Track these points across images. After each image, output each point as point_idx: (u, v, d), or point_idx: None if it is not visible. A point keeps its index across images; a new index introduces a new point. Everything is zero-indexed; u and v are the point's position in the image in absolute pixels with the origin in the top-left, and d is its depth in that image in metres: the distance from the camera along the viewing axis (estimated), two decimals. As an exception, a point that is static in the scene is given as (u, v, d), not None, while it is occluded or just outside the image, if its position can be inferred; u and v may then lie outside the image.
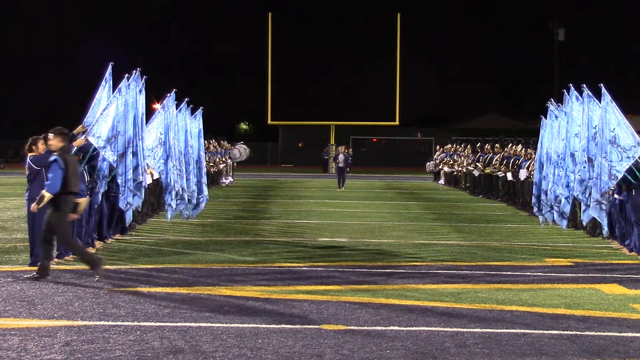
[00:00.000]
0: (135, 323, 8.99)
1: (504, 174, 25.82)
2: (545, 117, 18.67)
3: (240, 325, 8.98)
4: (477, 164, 29.68)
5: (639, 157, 14.58)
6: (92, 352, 7.83)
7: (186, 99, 18.95)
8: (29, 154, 12.79)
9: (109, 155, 13.95)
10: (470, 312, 9.85)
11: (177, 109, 17.99)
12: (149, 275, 12.22)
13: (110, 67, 14.71)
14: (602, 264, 13.95)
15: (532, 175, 21.55)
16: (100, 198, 14.64)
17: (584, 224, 16.62)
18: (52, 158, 11.55)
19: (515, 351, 8.11)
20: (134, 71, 14.59)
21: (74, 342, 8.15)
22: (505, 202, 25.84)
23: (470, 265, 13.60)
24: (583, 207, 15.61)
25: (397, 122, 54.01)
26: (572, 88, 16.77)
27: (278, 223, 20.14)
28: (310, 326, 8.98)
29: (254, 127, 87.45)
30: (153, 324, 9.00)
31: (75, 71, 69.02)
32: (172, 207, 16.99)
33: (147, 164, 15.67)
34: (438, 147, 43.45)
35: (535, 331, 8.92)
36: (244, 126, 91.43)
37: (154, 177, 18.18)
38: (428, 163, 42.42)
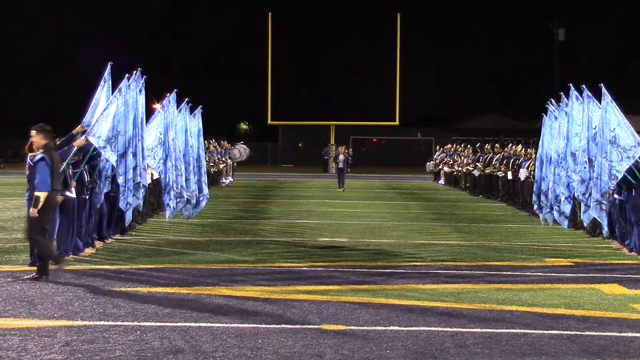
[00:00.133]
0: (135, 323, 8.99)
1: (504, 174, 25.83)
2: (556, 112, 18.60)
3: (240, 325, 8.98)
4: (477, 164, 29.68)
5: (639, 157, 14.58)
6: (92, 352, 7.83)
7: (186, 99, 18.95)
8: (29, 154, 12.77)
9: (109, 156, 13.95)
10: (470, 312, 9.85)
11: (177, 109, 18.00)
12: (149, 275, 12.22)
13: (109, 67, 14.70)
14: (602, 264, 13.95)
15: (532, 175, 21.57)
16: (102, 198, 14.64)
17: (585, 224, 16.62)
18: (39, 156, 11.52)
19: (515, 351, 8.11)
20: (135, 71, 14.59)
21: (74, 342, 8.15)
22: (505, 202, 25.85)
23: (470, 265, 13.61)
24: (583, 208, 15.61)
25: (397, 122, 54.02)
26: (572, 88, 16.77)
27: (278, 223, 20.14)
28: (310, 326, 8.98)
29: (254, 127, 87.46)
30: (153, 324, 9.00)
31: (75, 71, 69.03)
32: (170, 207, 17.00)
33: (147, 164, 15.66)
34: (438, 147, 43.45)
35: (535, 331, 8.92)
36: (244, 126, 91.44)
37: (154, 177, 18.18)
38: (428, 163, 42.42)
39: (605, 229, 15.51)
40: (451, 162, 35.67)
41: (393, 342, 8.35)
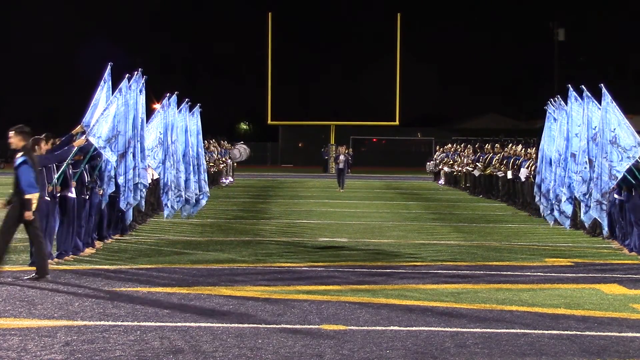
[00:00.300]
0: (135, 323, 9.00)
1: (504, 174, 25.83)
2: (554, 114, 18.58)
3: (240, 325, 8.98)
4: (477, 164, 29.68)
5: (639, 158, 14.58)
6: (92, 352, 7.83)
7: (186, 100, 18.95)
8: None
9: (109, 156, 13.94)
10: (470, 312, 9.85)
11: (174, 105, 18.01)
12: (149, 275, 12.22)
13: (109, 67, 14.70)
14: (602, 264, 13.95)
15: (532, 175, 21.57)
16: (107, 199, 14.65)
17: (585, 224, 16.61)
18: (21, 159, 11.50)
19: (515, 351, 8.11)
20: (135, 72, 14.58)
21: (74, 342, 8.15)
22: (505, 202, 25.84)
23: (470, 265, 13.61)
24: (584, 208, 15.60)
25: (397, 122, 54.01)
26: (571, 89, 16.78)
27: (278, 223, 20.14)
28: (310, 326, 8.98)
29: (254, 127, 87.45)
30: (153, 324, 9.00)
31: (75, 71, 68.99)
32: (168, 206, 17.04)
33: (147, 164, 15.66)
34: (438, 147, 43.44)
35: (535, 331, 8.92)
36: (244, 126, 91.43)
37: (154, 177, 18.19)
38: (428, 163, 42.41)
39: (606, 229, 15.51)
40: (451, 162, 35.66)
41: (393, 342, 8.35)
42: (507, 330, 8.95)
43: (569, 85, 16.97)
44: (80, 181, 13.60)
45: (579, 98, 16.51)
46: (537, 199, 18.90)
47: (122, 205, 14.66)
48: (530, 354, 8.03)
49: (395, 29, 53.45)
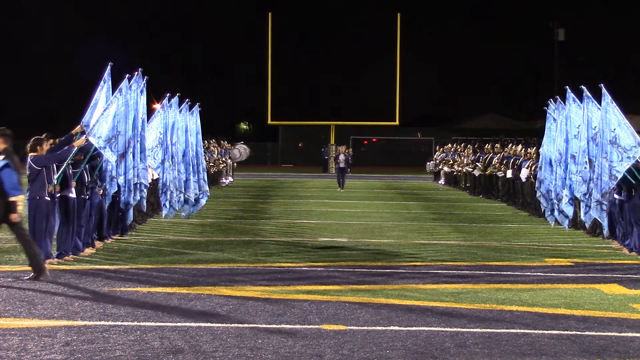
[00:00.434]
0: (135, 323, 9.00)
1: (504, 174, 25.83)
2: (554, 114, 18.59)
3: (240, 325, 8.98)
4: (477, 164, 29.68)
5: (639, 158, 14.58)
6: (92, 352, 7.83)
7: (187, 100, 18.95)
8: (30, 154, 12.78)
9: (109, 156, 13.94)
10: (470, 312, 9.85)
11: (175, 108, 18.03)
12: (149, 275, 12.22)
13: (109, 67, 14.69)
14: (602, 264, 13.95)
15: (533, 174, 21.57)
16: (111, 199, 14.65)
17: (586, 224, 16.62)
18: (3, 162, 11.50)
19: (515, 351, 8.11)
20: (136, 72, 14.58)
21: (74, 342, 8.15)
22: (505, 202, 25.84)
23: (470, 265, 13.61)
24: (584, 208, 15.61)
25: (397, 122, 54.00)
26: (569, 90, 16.82)
27: (278, 223, 20.14)
28: (310, 326, 8.98)
29: (254, 127, 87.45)
30: (153, 324, 9.00)
31: (75, 71, 68.98)
32: (167, 206, 17.09)
33: (147, 165, 15.67)
34: (438, 147, 43.43)
35: (535, 331, 8.92)
36: (244, 126, 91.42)
37: (154, 177, 18.19)
38: (428, 163, 42.40)
39: (606, 229, 15.51)
40: (451, 162, 35.66)
41: (393, 342, 8.35)
42: (507, 330, 8.95)
43: (567, 87, 17.01)
44: (80, 181, 13.60)
45: (577, 99, 16.57)
46: (538, 194, 18.90)
47: (122, 205, 14.66)
48: (530, 354, 8.03)
49: (395, 29, 53.43)
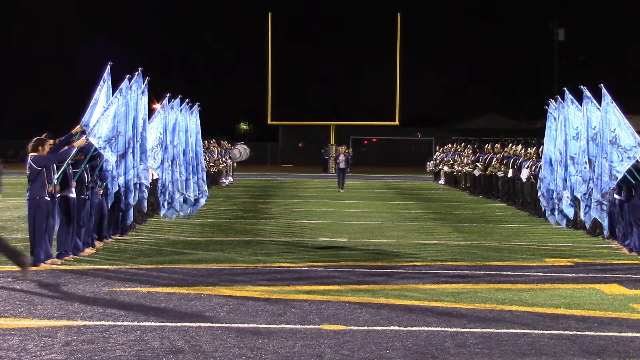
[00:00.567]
0: (135, 323, 9.00)
1: (504, 174, 25.83)
2: (555, 113, 18.60)
3: (240, 325, 8.98)
4: (477, 164, 29.68)
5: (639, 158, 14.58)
6: (92, 352, 7.83)
7: (187, 100, 18.96)
8: (31, 154, 12.79)
9: (109, 156, 13.95)
10: (470, 312, 9.85)
11: (176, 109, 18.05)
12: (149, 275, 12.22)
13: (108, 67, 14.69)
14: (602, 264, 13.95)
15: (533, 174, 21.58)
16: (113, 197, 14.66)
17: (586, 224, 16.64)
18: None
19: (515, 351, 8.11)
20: (136, 72, 14.58)
21: (74, 342, 8.15)
22: (505, 202, 25.84)
23: (470, 265, 13.61)
24: (584, 208, 15.62)
25: (397, 122, 54.00)
26: (567, 92, 16.85)
27: (278, 223, 20.14)
28: (310, 326, 8.98)
29: (254, 127, 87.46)
30: (153, 324, 9.00)
31: (75, 71, 69.02)
32: (165, 206, 17.12)
33: (148, 165, 15.68)
34: (438, 147, 43.43)
35: (535, 331, 8.92)
36: (244, 126, 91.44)
37: (154, 177, 18.20)
38: (428, 163, 42.40)
39: (606, 229, 15.52)
40: (451, 162, 35.66)
41: (393, 342, 8.35)
42: (507, 330, 8.95)
43: (565, 88, 17.04)
44: (80, 181, 13.60)
45: (575, 101, 16.60)
46: (539, 193, 18.93)
47: (123, 205, 14.66)
48: (530, 354, 8.03)
49: (395, 29, 53.43)
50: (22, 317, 9.29)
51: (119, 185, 14.47)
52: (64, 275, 11.92)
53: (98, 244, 14.83)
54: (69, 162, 13.20)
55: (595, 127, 15.22)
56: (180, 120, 18.22)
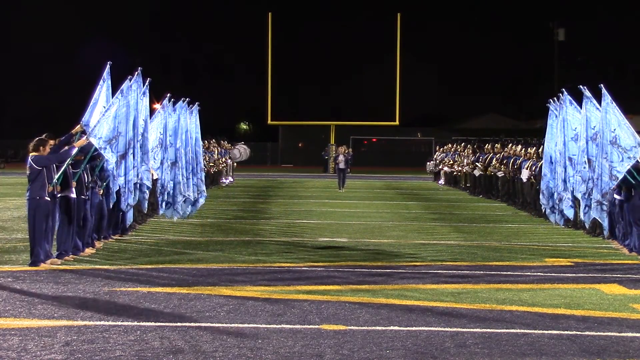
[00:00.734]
0: (135, 323, 8.99)
1: (504, 174, 25.83)
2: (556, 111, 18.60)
3: (240, 325, 8.98)
4: (477, 164, 29.68)
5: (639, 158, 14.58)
6: (92, 352, 7.83)
7: (187, 99, 18.95)
8: (31, 154, 12.78)
9: (109, 156, 13.94)
10: (470, 312, 9.85)
11: (179, 111, 18.07)
12: (149, 275, 12.22)
13: (108, 66, 14.68)
14: (602, 264, 13.95)
15: (533, 174, 21.58)
16: (115, 197, 14.66)
17: (585, 224, 16.65)
18: None
19: (515, 351, 8.11)
20: (136, 72, 14.57)
21: (74, 342, 8.15)
22: (505, 202, 25.84)
23: (470, 265, 13.61)
24: (583, 208, 15.62)
25: (397, 122, 54.01)
26: (565, 92, 16.86)
27: (278, 223, 20.14)
28: (310, 326, 8.98)
29: (254, 127, 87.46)
30: (153, 324, 9.00)
31: (75, 71, 69.01)
32: (162, 207, 17.15)
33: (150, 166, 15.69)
34: (438, 147, 43.43)
35: (535, 331, 8.92)
36: (244, 126, 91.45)
37: (154, 177, 18.19)
38: (428, 163, 42.40)
39: (606, 229, 15.52)
40: (451, 162, 35.66)
41: (393, 342, 8.35)
42: (507, 330, 8.95)
43: (563, 89, 17.05)
44: (80, 181, 13.60)
45: (573, 102, 16.61)
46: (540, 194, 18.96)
47: (123, 206, 14.67)
48: (530, 354, 8.03)
49: (395, 29, 53.44)
50: (22, 317, 9.29)
51: (119, 186, 14.46)
52: (64, 275, 11.92)
53: (98, 244, 14.83)
54: (69, 162, 13.20)
55: (594, 127, 15.22)
56: (182, 122, 18.22)
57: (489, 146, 29.15)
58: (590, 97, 15.57)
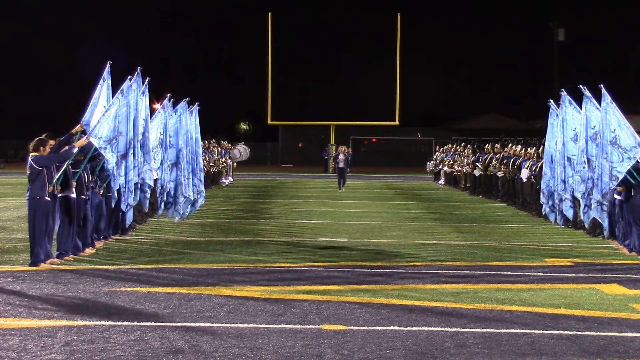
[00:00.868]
0: (135, 323, 8.99)
1: (504, 174, 25.84)
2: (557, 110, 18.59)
3: (240, 325, 8.98)
4: (477, 164, 29.68)
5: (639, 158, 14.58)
6: (92, 352, 7.84)
7: (187, 99, 18.95)
8: (31, 154, 12.78)
9: (109, 156, 13.94)
10: (470, 312, 9.85)
11: (174, 109, 18.06)
12: (149, 275, 12.22)
13: (108, 65, 14.68)
14: (602, 264, 13.95)
15: (533, 174, 21.58)
16: (116, 196, 14.66)
17: (585, 224, 16.65)
18: None
19: (515, 351, 8.11)
20: (135, 72, 14.58)
21: (74, 342, 8.15)
22: (505, 202, 25.85)
23: (470, 265, 13.61)
24: (583, 208, 15.62)
25: (397, 122, 54.01)
26: (565, 93, 16.87)
27: (278, 223, 20.14)
28: (310, 326, 8.98)
29: (254, 127, 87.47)
30: (153, 324, 9.00)
31: (75, 71, 69.03)
32: (161, 207, 17.16)
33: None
34: (438, 147, 43.43)
35: (535, 331, 8.92)
36: (244, 126, 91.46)
37: (154, 177, 18.19)
38: (428, 163, 42.41)
39: (606, 230, 15.52)
40: (451, 162, 35.66)
41: (393, 342, 8.35)
42: (507, 330, 8.95)
43: (563, 89, 17.05)
44: (81, 181, 13.60)
45: (573, 102, 16.60)
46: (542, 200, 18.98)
47: (123, 206, 14.67)
48: (530, 354, 8.03)
49: (395, 28, 53.43)
50: (22, 317, 9.29)
51: (119, 185, 14.46)
52: (64, 275, 11.92)
53: (98, 244, 14.84)
54: (70, 162, 13.20)
55: (594, 126, 15.22)
56: (183, 123, 18.22)
57: (489, 146, 29.15)
58: (590, 97, 15.56)
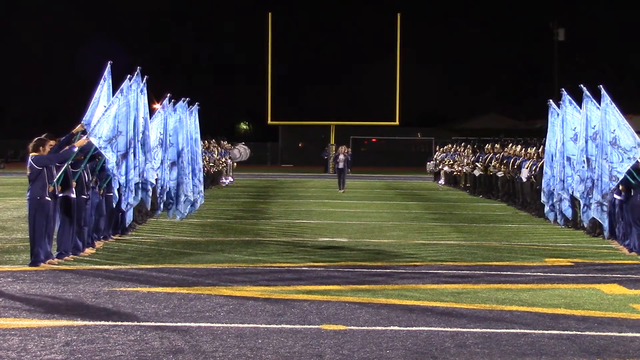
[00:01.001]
0: (135, 323, 9.00)
1: (503, 174, 25.84)
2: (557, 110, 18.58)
3: (240, 325, 8.98)
4: (477, 164, 29.68)
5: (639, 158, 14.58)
6: (92, 352, 7.84)
7: (187, 99, 18.95)
8: (31, 154, 12.78)
9: (109, 156, 13.94)
10: (470, 312, 9.85)
11: (180, 112, 18.08)
12: (149, 275, 12.22)
13: (108, 65, 14.69)
14: (602, 264, 13.95)
15: (533, 174, 21.58)
16: (117, 196, 14.66)
17: (584, 224, 16.65)
18: None
19: (515, 351, 8.11)
20: (135, 71, 14.58)
21: (74, 342, 8.16)
22: (505, 202, 25.85)
23: (470, 265, 13.61)
24: (583, 207, 15.62)
25: (397, 122, 54.01)
26: (565, 92, 16.88)
27: (278, 223, 20.14)
28: (310, 326, 8.98)
29: (254, 127, 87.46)
30: (153, 324, 9.00)
31: (75, 71, 69.03)
32: (161, 207, 17.19)
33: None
34: (438, 147, 43.42)
35: (535, 331, 8.92)
36: (244, 126, 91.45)
37: (154, 177, 18.19)
38: (428, 163, 42.41)
39: (606, 230, 15.52)
40: (451, 162, 35.66)
41: (393, 342, 8.35)
42: (507, 330, 8.95)
43: (563, 89, 17.05)
44: (81, 181, 13.60)
45: (573, 102, 16.60)
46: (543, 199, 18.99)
47: (123, 205, 14.68)
48: (530, 354, 8.03)
49: (395, 29, 53.43)
50: (22, 317, 9.29)
51: (119, 184, 14.46)
52: (64, 275, 11.92)
53: (98, 244, 14.84)
54: (70, 162, 13.20)
55: (594, 126, 15.22)
56: (183, 122, 18.22)
57: (489, 146, 29.14)
58: (590, 97, 15.57)
